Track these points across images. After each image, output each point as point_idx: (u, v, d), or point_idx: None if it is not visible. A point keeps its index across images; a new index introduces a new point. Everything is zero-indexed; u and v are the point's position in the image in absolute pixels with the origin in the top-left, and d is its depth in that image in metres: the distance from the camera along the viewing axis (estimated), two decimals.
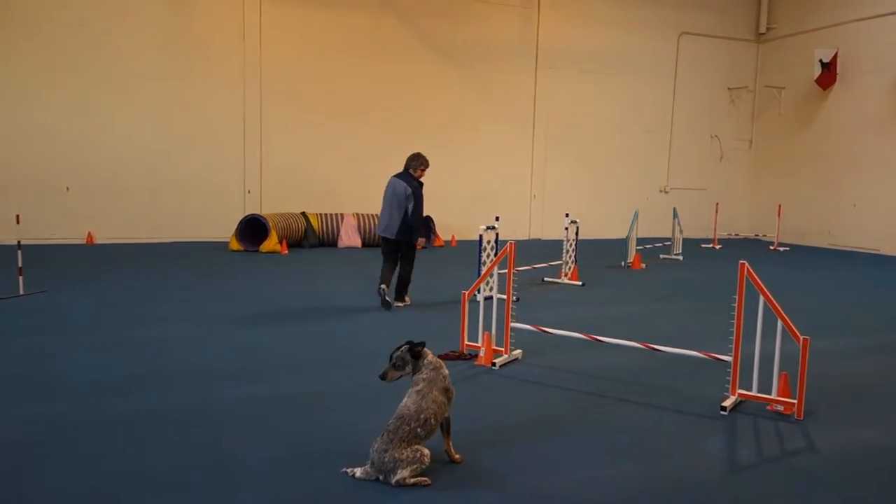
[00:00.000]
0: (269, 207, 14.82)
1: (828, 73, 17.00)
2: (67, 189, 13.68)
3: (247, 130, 14.81)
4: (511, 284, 6.16)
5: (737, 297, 4.83)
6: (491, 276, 6.43)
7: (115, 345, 6.17)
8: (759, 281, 4.76)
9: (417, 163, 8.17)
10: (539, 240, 17.32)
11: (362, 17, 15.48)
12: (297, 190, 15.14)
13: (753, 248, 16.99)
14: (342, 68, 15.42)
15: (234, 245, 13.22)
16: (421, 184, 8.20)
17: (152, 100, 14.12)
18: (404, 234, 8.10)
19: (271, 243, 13.10)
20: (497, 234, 8.77)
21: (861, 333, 7.68)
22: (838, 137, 17.17)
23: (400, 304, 8.29)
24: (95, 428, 4.22)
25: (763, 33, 19.14)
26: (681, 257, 13.99)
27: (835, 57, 16.88)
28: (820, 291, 10.62)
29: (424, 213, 8.65)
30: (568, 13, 17.24)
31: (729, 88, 19.23)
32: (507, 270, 6.23)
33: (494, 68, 16.74)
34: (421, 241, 8.23)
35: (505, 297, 6.06)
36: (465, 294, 6.17)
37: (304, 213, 14.41)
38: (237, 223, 13.53)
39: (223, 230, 14.28)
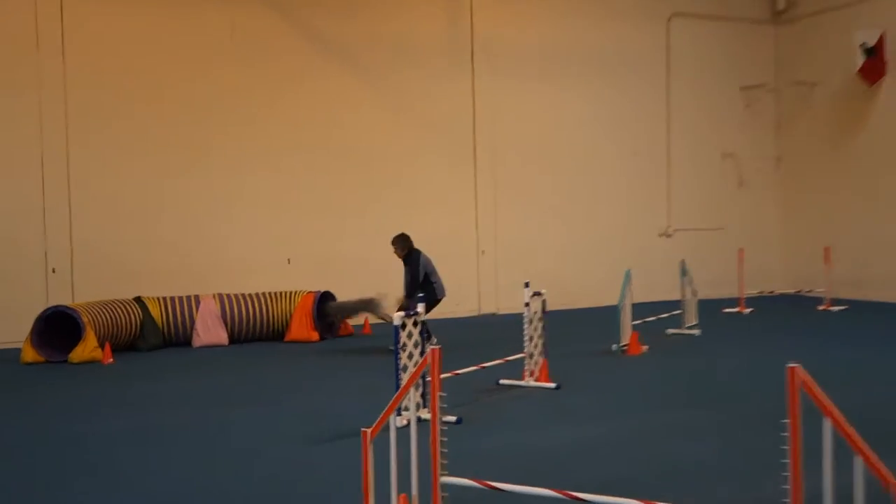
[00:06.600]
0: (84, 294, 14.14)
1: (873, 62, 17.48)
2: None
3: (46, 180, 14.26)
4: (438, 409, 5.53)
5: (790, 420, 4.35)
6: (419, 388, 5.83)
7: None
8: (820, 396, 4.26)
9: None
10: (494, 314, 17.25)
11: (221, 14, 15.27)
12: (127, 265, 14.61)
13: (796, 309, 17.23)
14: (191, 85, 15.09)
15: (30, 355, 12.50)
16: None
17: None
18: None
19: (87, 349, 12.40)
20: (424, 324, 8.23)
21: None
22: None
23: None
24: None
25: (782, 11, 19.72)
26: (697, 331, 13.89)
27: (881, 40, 17.37)
28: None
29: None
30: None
31: (742, 88, 19.69)
32: (431, 382, 5.65)
33: (417, 79, 16.88)
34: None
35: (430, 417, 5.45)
36: (365, 433, 5.50)
37: (138, 299, 13.75)
38: (34, 321, 12.70)
39: (13, 332, 13.40)
